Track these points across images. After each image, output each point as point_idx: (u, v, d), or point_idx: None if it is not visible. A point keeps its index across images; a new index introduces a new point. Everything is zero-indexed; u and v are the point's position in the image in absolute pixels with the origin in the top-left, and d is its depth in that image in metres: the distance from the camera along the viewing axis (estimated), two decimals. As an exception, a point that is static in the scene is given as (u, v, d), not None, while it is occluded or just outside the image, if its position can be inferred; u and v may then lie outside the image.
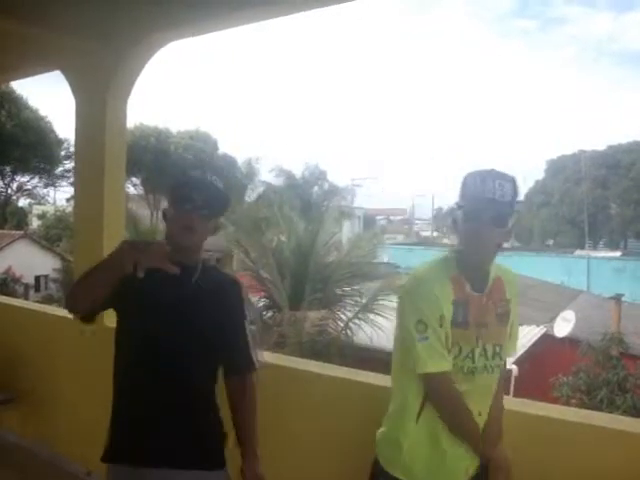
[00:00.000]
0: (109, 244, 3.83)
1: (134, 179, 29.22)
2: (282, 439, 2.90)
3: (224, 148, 33.12)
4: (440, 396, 1.96)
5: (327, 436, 2.81)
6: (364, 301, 10.48)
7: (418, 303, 1.94)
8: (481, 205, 1.84)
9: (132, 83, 3.85)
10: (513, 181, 1.88)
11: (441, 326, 1.89)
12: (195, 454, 2.04)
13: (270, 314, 10.97)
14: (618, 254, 31.41)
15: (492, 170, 1.88)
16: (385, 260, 15.13)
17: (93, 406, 3.90)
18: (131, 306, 2.06)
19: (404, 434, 2.02)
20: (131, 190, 28.96)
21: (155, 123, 29.60)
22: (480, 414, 1.99)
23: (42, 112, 23.65)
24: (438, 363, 1.90)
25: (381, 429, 2.15)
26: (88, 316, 2.14)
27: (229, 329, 2.11)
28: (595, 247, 35.85)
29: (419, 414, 1.98)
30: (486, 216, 1.84)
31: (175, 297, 2.02)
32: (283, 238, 12.40)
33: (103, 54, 3.77)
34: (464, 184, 1.91)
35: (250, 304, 2.22)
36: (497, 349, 1.99)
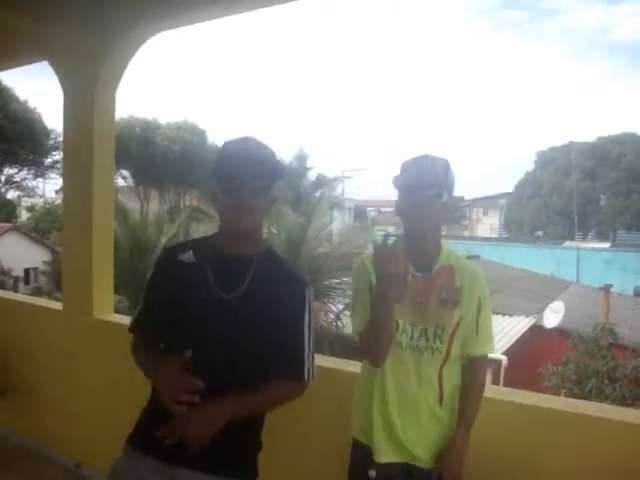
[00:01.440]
0: (98, 237, 3.82)
1: (123, 171, 29.06)
2: (289, 436, 2.90)
3: (213, 139, 32.91)
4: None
5: (334, 431, 2.79)
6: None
7: (355, 276, 2.17)
8: (413, 180, 1.99)
9: (121, 74, 3.82)
10: (445, 162, 2.03)
11: (370, 293, 2.03)
12: (231, 460, 1.87)
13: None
14: (607, 245, 31.59)
15: (427, 154, 2.05)
16: (376, 251, 15.13)
17: (83, 398, 3.90)
18: (177, 303, 1.86)
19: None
20: (120, 182, 28.80)
21: (143, 115, 29.43)
22: (421, 401, 2.04)
23: (31, 104, 23.46)
24: (355, 325, 2.13)
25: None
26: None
27: (283, 330, 1.85)
28: (585, 238, 36.01)
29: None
30: (418, 189, 1.97)
31: (226, 297, 1.82)
32: (273, 229, 12.39)
33: (91, 44, 3.73)
34: (402, 167, 2.06)
35: (313, 310, 1.94)
36: (439, 331, 2.04)
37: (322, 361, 3.01)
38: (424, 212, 1.99)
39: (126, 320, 3.71)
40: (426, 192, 1.96)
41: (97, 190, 3.80)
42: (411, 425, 2.04)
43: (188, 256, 1.91)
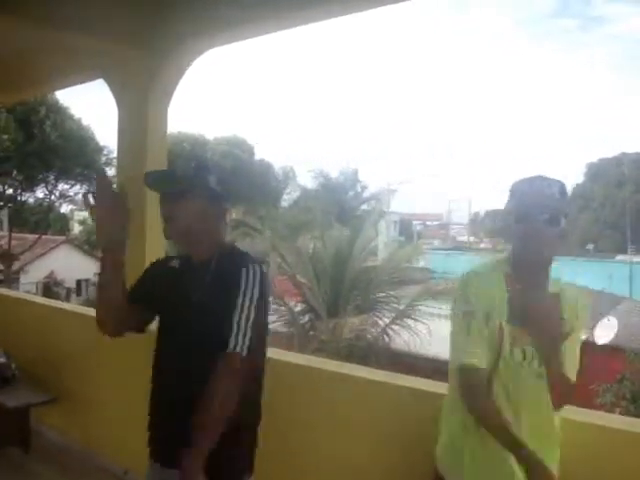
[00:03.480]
0: (151, 250, 3.90)
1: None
2: (310, 442, 2.96)
3: (261, 154, 33.26)
4: (467, 391, 1.92)
5: (361, 441, 2.81)
6: (401, 307, 10.42)
7: (468, 296, 1.93)
8: (530, 204, 1.88)
9: (172, 90, 3.92)
10: (561, 183, 1.92)
11: (487, 323, 1.89)
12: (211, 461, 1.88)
13: (307, 319, 10.99)
14: (662, 259, 30.58)
15: (540, 174, 1.94)
16: (422, 265, 15.05)
17: (133, 407, 3.96)
18: (162, 298, 2.14)
19: (465, 440, 1.99)
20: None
21: (191, 130, 29.87)
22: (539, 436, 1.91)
23: (84, 121, 24.10)
24: (472, 355, 1.87)
25: (441, 438, 2.10)
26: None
27: (217, 310, 1.94)
28: (638, 252, 34.96)
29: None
30: (535, 215, 1.85)
31: (190, 295, 2.04)
32: (320, 243, 12.45)
33: (144, 62, 3.84)
34: (513, 189, 1.96)
35: (256, 288, 1.97)
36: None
37: (368, 374, 3.02)
38: (539, 240, 1.86)
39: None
40: (541, 218, 1.85)
41: (149, 204, 3.89)
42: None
43: (175, 262, 2.24)
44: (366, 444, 2.79)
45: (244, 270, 1.98)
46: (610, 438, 2.20)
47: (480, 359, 1.87)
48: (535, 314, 1.89)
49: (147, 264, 3.81)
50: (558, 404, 1.96)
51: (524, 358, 1.90)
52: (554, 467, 1.92)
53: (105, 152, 24.51)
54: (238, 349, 1.89)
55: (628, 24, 67.12)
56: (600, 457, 2.18)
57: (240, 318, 1.93)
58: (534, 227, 1.85)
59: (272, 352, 3.04)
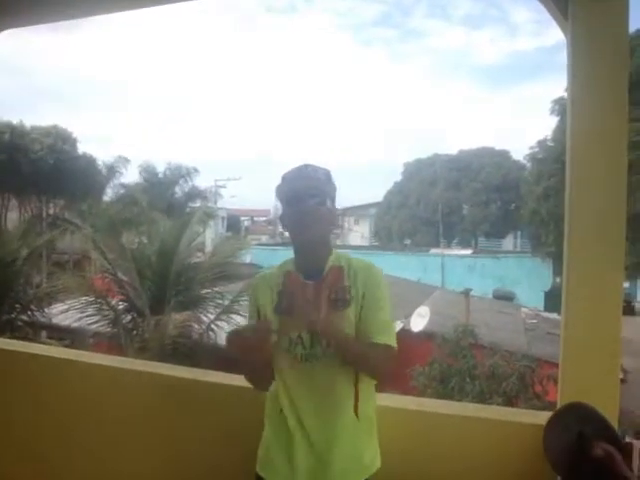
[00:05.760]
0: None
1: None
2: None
3: (85, 147, 31.18)
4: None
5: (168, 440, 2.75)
6: (226, 303, 10.44)
7: (251, 297, 2.20)
8: (299, 188, 2.01)
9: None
10: (327, 170, 2.09)
11: (259, 318, 2.07)
12: None
13: (129, 318, 10.62)
14: (469, 252, 33.51)
15: (307, 163, 2.08)
16: (248, 261, 15.16)
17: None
18: None
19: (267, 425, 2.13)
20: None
21: (7, 118, 27.24)
22: (319, 416, 1.99)
23: None
24: None
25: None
26: None
27: None
28: (449, 246, 37.83)
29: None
30: (305, 197, 1.99)
31: None
32: (145, 239, 12.09)
33: None
34: (284, 176, 2.08)
35: None
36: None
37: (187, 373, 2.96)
38: (311, 220, 1.99)
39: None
40: (311, 200, 1.98)
41: None
42: (325, 441, 1.98)
43: None
44: (186, 451, 2.71)
45: None
46: (404, 418, 2.38)
47: None
48: (305, 298, 2.02)
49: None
50: (372, 373, 2.05)
51: (290, 344, 2.02)
52: (342, 454, 1.98)
53: None
54: None
55: (442, 39, 72.05)
56: (394, 435, 2.29)
57: None
58: (304, 208, 1.99)
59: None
